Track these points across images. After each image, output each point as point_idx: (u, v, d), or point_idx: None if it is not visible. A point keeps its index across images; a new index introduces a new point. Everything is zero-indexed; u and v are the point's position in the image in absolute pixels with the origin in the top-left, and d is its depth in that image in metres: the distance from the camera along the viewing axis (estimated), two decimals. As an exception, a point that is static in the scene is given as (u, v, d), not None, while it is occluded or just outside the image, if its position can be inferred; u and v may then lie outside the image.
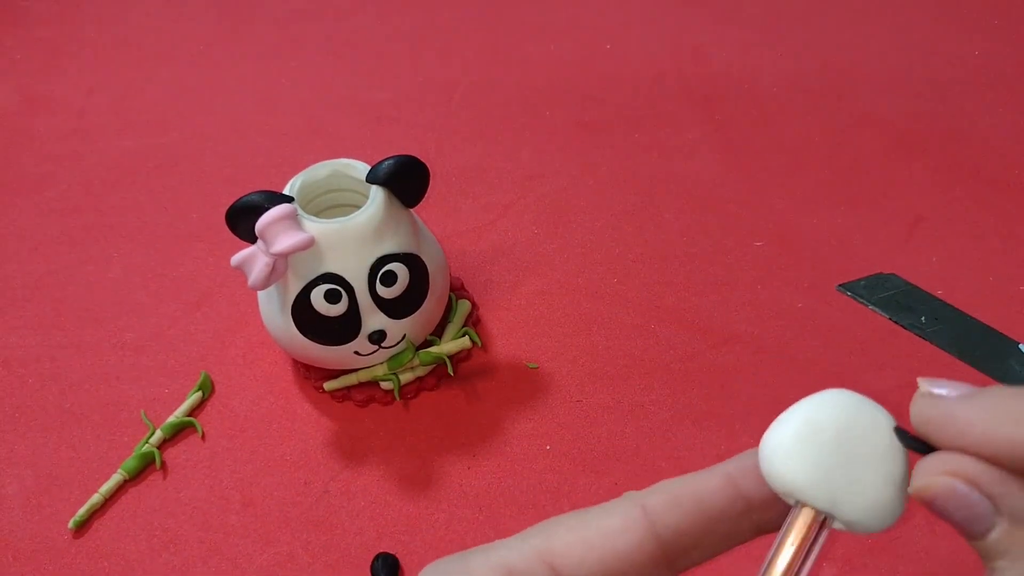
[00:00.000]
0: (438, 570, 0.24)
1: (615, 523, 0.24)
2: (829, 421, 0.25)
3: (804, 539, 0.25)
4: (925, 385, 0.24)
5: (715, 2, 0.83)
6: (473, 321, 0.58)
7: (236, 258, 0.48)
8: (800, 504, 0.25)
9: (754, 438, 0.57)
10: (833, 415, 0.25)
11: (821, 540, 0.25)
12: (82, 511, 0.50)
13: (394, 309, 0.50)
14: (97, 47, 0.81)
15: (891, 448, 0.25)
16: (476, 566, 0.24)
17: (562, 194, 0.67)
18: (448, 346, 0.54)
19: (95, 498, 0.50)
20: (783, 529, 0.25)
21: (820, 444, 0.25)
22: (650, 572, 0.24)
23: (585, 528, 0.24)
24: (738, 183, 0.67)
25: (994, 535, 0.23)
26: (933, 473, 0.24)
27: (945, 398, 0.24)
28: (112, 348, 0.58)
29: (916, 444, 0.25)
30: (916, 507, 0.54)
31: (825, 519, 0.25)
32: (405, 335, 0.52)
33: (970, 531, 0.23)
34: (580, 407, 0.54)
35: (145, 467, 0.52)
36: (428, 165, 0.50)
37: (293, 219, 0.47)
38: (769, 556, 0.25)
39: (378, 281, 0.49)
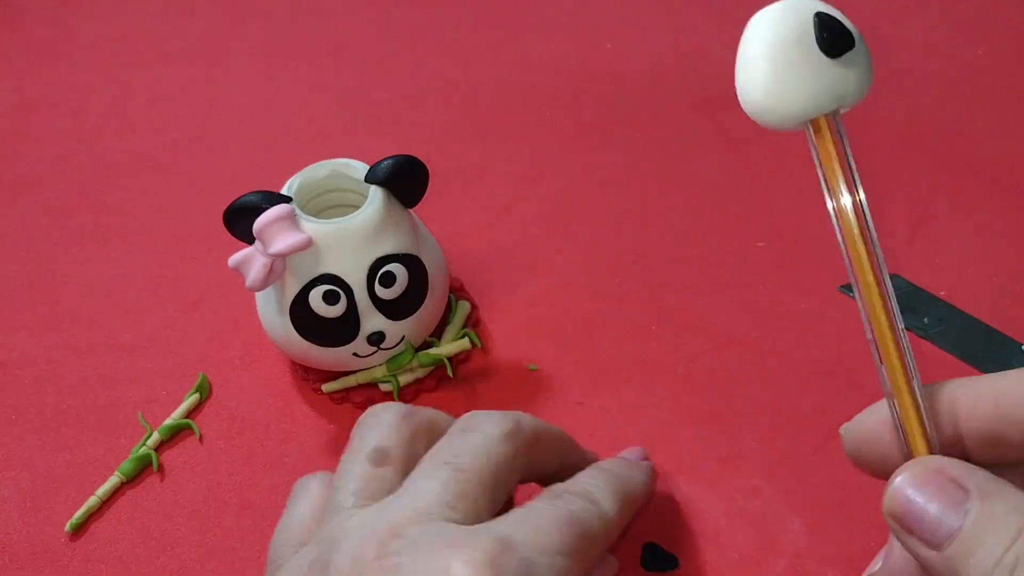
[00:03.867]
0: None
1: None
2: (788, 35, 0.26)
3: (837, 143, 0.26)
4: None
5: (716, 2, 0.83)
6: (473, 322, 0.58)
7: (234, 259, 0.48)
8: (810, 121, 0.26)
9: (757, 440, 0.57)
10: (784, 29, 0.26)
11: (843, 133, 0.27)
12: (79, 514, 0.49)
13: (393, 310, 0.50)
14: (95, 47, 0.81)
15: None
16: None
17: (562, 195, 0.67)
18: (447, 347, 0.54)
19: (92, 501, 0.50)
20: (815, 152, 0.27)
21: (794, 61, 0.26)
22: None
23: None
24: (739, 183, 0.67)
25: (969, 518, 0.23)
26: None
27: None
28: (108, 350, 0.58)
29: (836, 40, 0.25)
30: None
31: (835, 112, 0.26)
32: (404, 336, 0.52)
33: (941, 528, 0.23)
34: (581, 409, 0.54)
35: (142, 469, 0.52)
36: (428, 165, 0.50)
37: (291, 219, 0.47)
38: (821, 179, 0.26)
39: (377, 282, 0.49)
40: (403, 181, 0.49)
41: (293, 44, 0.80)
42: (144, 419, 0.54)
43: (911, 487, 0.24)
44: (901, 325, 0.28)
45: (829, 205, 0.26)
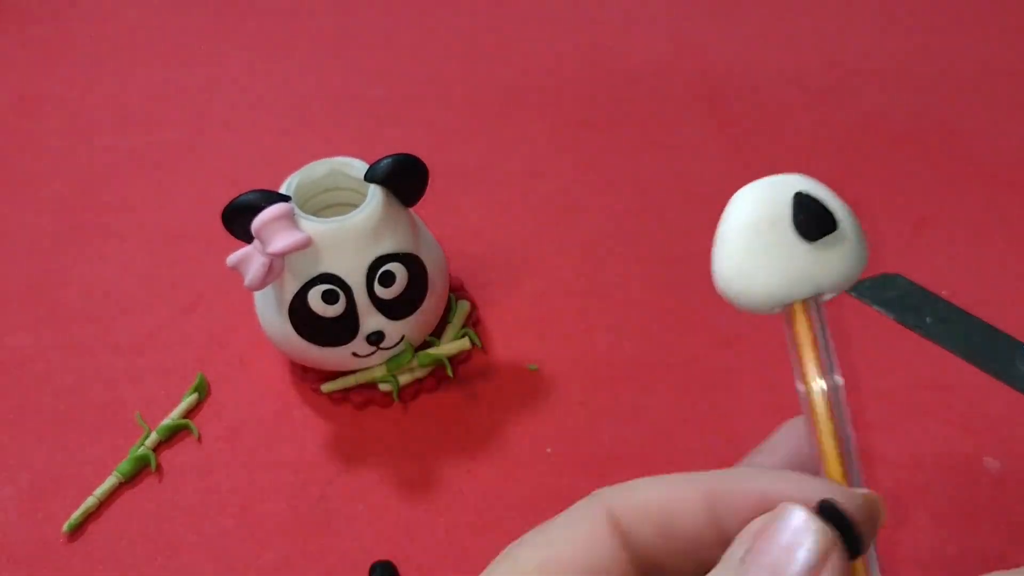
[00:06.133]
0: None
1: (581, 535, 0.22)
2: (762, 216, 0.25)
3: (812, 330, 0.24)
4: None
5: (716, 2, 0.83)
6: (473, 322, 0.58)
7: (232, 258, 0.47)
8: (787, 306, 0.24)
9: (757, 439, 0.56)
10: (761, 209, 0.25)
11: (823, 318, 0.24)
12: (77, 514, 0.49)
13: (392, 310, 0.50)
14: (92, 45, 0.81)
15: (825, 201, 0.24)
16: None
17: (563, 194, 0.66)
18: (447, 347, 0.54)
19: (90, 501, 0.50)
20: (789, 335, 0.24)
21: (768, 243, 0.24)
22: None
23: (550, 546, 0.22)
24: (740, 182, 0.67)
25: None
26: None
27: None
28: (107, 349, 0.58)
29: (813, 224, 0.23)
30: (916, 502, 0.53)
31: (816, 298, 0.25)
32: (404, 336, 0.52)
33: None
34: (581, 409, 0.54)
35: (140, 470, 0.52)
36: (427, 164, 0.50)
37: (290, 218, 0.47)
38: (793, 361, 0.24)
39: (376, 281, 0.49)
40: (403, 180, 0.49)
41: (292, 43, 0.80)
42: (142, 419, 0.54)
43: None
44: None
45: (798, 388, 0.24)
